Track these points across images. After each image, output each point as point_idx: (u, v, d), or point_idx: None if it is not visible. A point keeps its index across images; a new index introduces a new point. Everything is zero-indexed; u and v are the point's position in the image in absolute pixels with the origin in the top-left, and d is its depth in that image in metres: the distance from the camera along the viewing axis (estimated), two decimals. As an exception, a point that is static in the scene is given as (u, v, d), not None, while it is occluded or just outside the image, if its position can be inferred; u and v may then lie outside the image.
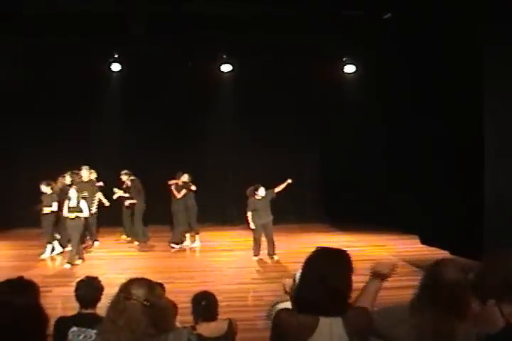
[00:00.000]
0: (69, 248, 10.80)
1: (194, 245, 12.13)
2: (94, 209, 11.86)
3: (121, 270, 9.60)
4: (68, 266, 10.11)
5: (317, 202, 14.89)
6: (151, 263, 10.43)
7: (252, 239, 10.79)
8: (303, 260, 2.87)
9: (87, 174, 11.90)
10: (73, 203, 10.30)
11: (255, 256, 10.65)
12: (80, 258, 10.43)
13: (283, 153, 14.52)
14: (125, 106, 14.02)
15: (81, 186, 11.48)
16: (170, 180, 12.13)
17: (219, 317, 4.69)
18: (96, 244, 12.05)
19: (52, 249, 11.11)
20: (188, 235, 12.23)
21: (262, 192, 10.58)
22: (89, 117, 13.73)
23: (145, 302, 2.46)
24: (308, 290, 2.77)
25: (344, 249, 2.94)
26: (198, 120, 14.14)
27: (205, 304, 4.65)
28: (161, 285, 3.76)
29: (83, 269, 9.56)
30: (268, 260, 10.52)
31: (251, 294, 8.56)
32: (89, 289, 4.28)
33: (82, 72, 12.96)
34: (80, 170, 11.95)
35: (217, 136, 14.48)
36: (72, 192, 10.36)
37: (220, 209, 14.11)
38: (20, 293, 2.67)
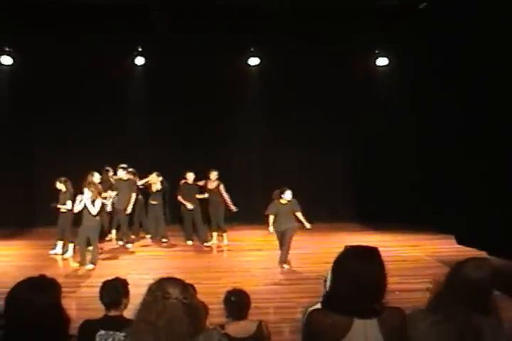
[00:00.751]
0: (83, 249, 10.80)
1: (222, 244, 12.17)
2: (129, 209, 11.93)
3: (146, 270, 9.67)
4: (91, 266, 10.22)
5: (348, 201, 14.76)
6: (177, 264, 10.46)
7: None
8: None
9: (123, 173, 11.93)
10: (88, 204, 10.25)
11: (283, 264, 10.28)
12: (79, 262, 10.39)
13: (313, 151, 14.43)
14: (149, 102, 14.10)
15: (118, 185, 11.65)
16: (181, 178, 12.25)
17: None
18: (129, 246, 12.04)
19: (63, 250, 11.28)
20: (215, 234, 12.28)
21: (288, 195, 10.02)
22: (112, 114, 13.79)
23: (184, 301, 2.47)
24: (341, 290, 2.75)
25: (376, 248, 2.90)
26: (225, 117, 14.15)
27: (234, 300, 4.67)
28: (191, 285, 3.77)
29: (107, 269, 9.65)
30: (297, 260, 10.40)
31: (279, 296, 8.52)
32: (114, 290, 4.30)
33: (105, 67, 13.10)
34: (113, 167, 12.22)
35: (244, 133, 14.49)
36: (86, 193, 10.29)
37: (248, 208, 14.07)
38: (40, 291, 2.68)
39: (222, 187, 12.14)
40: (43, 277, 2.83)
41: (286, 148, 14.29)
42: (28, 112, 13.53)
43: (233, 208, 12.20)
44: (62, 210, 11.06)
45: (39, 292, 2.67)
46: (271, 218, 10.03)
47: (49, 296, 2.69)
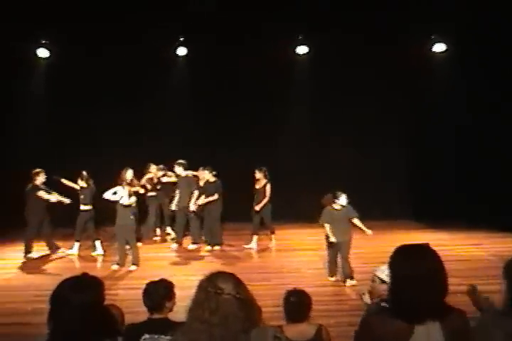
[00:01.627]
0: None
1: (270, 245, 12.14)
2: (192, 207, 11.91)
3: (192, 271, 9.73)
4: (134, 267, 10.34)
5: (403, 198, 14.54)
6: (224, 265, 10.49)
7: (327, 256, 9.64)
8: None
9: (180, 168, 11.97)
10: (125, 201, 10.37)
11: (331, 276, 9.54)
12: (117, 264, 10.52)
13: (365, 147, 14.28)
14: (192, 94, 14.16)
15: (180, 181, 11.83)
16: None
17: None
18: (192, 247, 12.03)
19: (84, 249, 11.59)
20: (255, 237, 12.22)
21: (343, 200, 9.14)
22: (152, 107, 13.92)
23: (238, 296, 2.44)
24: (400, 292, 2.69)
25: (435, 247, 2.80)
26: (272, 109, 14.09)
27: (293, 301, 4.60)
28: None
29: (151, 271, 9.74)
30: (351, 260, 10.14)
31: (333, 298, 8.44)
32: (158, 293, 4.29)
33: (145, 58, 13.22)
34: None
35: (293, 126, 14.39)
36: (121, 190, 10.41)
37: (297, 206, 13.99)
38: (79, 290, 2.73)
39: (268, 187, 11.97)
40: (84, 276, 2.89)
41: (335, 145, 14.16)
42: (64, 106, 13.73)
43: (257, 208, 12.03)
44: (81, 209, 11.38)
45: (77, 291, 2.72)
46: (327, 227, 9.19)
47: (90, 294, 2.74)
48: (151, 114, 13.90)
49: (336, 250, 9.32)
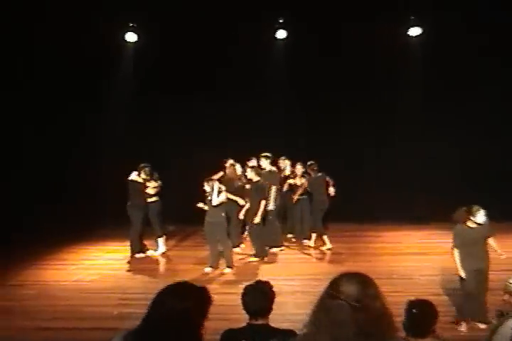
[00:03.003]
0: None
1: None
2: (271, 206, 11.81)
3: (291, 275, 9.70)
4: (228, 270, 10.42)
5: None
6: (328, 268, 10.39)
7: (463, 293, 7.95)
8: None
9: (266, 162, 11.99)
10: (215, 199, 10.46)
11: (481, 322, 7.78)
12: (210, 266, 10.64)
13: (482, 143, 13.62)
14: (291, 79, 14.10)
15: (264, 177, 11.72)
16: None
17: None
18: (274, 250, 11.97)
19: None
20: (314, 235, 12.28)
21: (481, 217, 7.72)
22: (242, 96, 13.97)
23: (354, 303, 2.32)
24: None
25: None
26: (380, 97, 13.89)
27: (416, 312, 4.45)
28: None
29: (247, 275, 9.83)
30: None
31: (450, 308, 8.17)
32: (259, 295, 4.24)
33: (241, 46, 13.40)
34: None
35: (404, 116, 14.03)
36: (214, 187, 10.50)
37: (407, 207, 13.70)
38: (176, 295, 2.89)
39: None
40: (184, 283, 3.03)
41: (448, 141, 13.69)
42: (152, 92, 14.02)
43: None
44: (148, 200, 11.63)
45: (174, 296, 2.89)
46: (456, 254, 7.78)
47: (183, 301, 2.84)
48: (244, 105, 13.98)
49: (473, 286, 7.70)
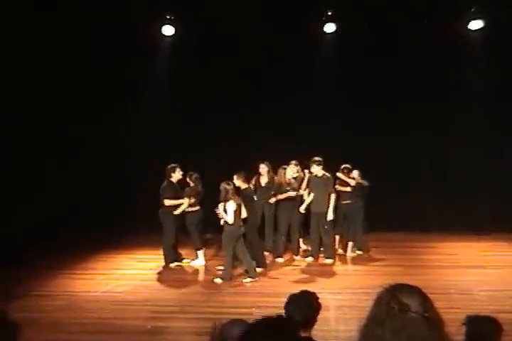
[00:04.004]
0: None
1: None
2: (330, 216, 11.74)
3: (337, 289, 9.65)
4: (249, 279, 10.53)
5: None
6: (376, 281, 10.22)
7: None
8: None
9: (318, 168, 11.79)
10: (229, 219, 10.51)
11: None
12: (250, 277, 10.68)
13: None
14: (342, 77, 14.04)
15: (314, 182, 11.75)
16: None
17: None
18: (327, 261, 11.96)
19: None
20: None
21: None
22: (290, 95, 14.09)
23: (426, 315, 2.36)
24: None
25: None
26: (440, 96, 13.82)
27: (477, 330, 4.36)
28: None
29: (285, 287, 9.77)
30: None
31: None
32: (303, 305, 4.25)
33: (283, 36, 13.38)
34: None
35: (461, 118, 13.95)
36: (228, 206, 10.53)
37: (465, 214, 13.55)
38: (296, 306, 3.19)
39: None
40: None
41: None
42: (189, 89, 14.17)
43: None
44: (187, 210, 11.65)
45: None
46: None
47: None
48: (288, 104, 14.01)
49: None
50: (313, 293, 4.40)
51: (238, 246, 10.59)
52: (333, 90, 14.04)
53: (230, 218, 10.39)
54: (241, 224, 10.61)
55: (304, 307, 4.22)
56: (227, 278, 10.57)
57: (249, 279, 10.57)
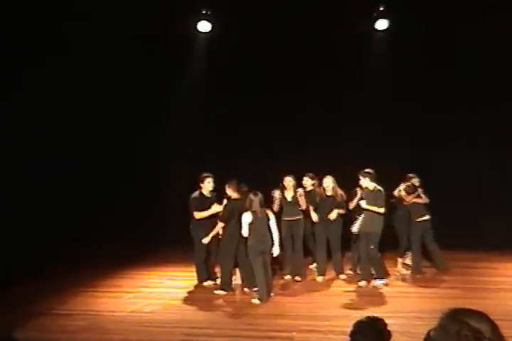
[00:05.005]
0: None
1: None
2: (355, 228, 11.81)
3: (388, 312, 9.48)
4: (256, 301, 10.44)
5: None
6: (432, 305, 10.04)
7: None
8: None
9: (367, 181, 11.64)
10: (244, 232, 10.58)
11: None
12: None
13: None
14: (391, 75, 14.05)
15: (366, 196, 11.60)
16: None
17: None
18: (379, 282, 11.75)
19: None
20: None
21: None
22: (336, 98, 14.02)
23: None
24: None
25: None
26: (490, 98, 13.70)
27: None
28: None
29: (325, 309, 9.71)
30: None
31: None
32: (374, 335, 4.06)
33: (332, 32, 13.39)
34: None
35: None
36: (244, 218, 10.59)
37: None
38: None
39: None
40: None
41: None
42: (227, 89, 14.23)
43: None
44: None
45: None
46: None
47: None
48: (334, 107, 13.97)
49: None
50: (382, 320, 4.22)
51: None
52: (385, 92, 14.07)
53: (244, 231, 10.44)
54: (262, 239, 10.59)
55: (375, 337, 4.03)
56: (264, 298, 10.49)
57: (257, 301, 10.49)
